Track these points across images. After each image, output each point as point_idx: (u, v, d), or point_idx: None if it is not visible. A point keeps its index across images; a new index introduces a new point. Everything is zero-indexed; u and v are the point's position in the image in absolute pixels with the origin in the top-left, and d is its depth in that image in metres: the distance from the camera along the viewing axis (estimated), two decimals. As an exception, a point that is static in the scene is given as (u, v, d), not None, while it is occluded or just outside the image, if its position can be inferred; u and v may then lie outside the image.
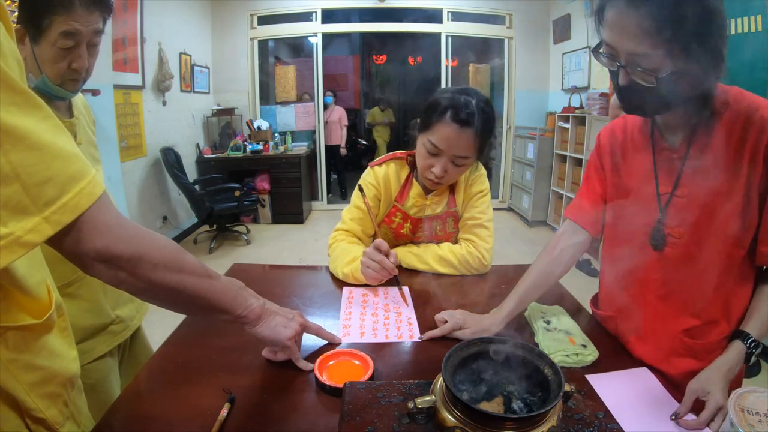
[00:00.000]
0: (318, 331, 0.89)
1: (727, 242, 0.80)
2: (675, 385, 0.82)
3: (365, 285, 1.19)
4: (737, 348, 0.78)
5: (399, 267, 1.31)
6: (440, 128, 1.10)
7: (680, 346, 0.86)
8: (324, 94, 6.28)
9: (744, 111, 0.76)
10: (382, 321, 1.01)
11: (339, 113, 5.94)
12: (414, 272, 1.28)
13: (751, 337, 0.78)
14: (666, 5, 0.65)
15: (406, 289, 1.16)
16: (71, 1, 0.87)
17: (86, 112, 1.16)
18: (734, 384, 0.78)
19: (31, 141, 0.46)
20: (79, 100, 1.13)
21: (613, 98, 1.50)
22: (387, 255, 1.11)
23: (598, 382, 0.79)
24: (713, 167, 0.78)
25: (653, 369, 0.87)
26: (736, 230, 0.79)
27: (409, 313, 1.05)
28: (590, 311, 1.08)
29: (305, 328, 0.85)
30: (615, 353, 0.90)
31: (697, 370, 0.79)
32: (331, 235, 1.33)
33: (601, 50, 0.76)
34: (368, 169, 1.32)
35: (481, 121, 1.08)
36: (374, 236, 1.32)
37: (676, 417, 0.71)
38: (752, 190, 0.76)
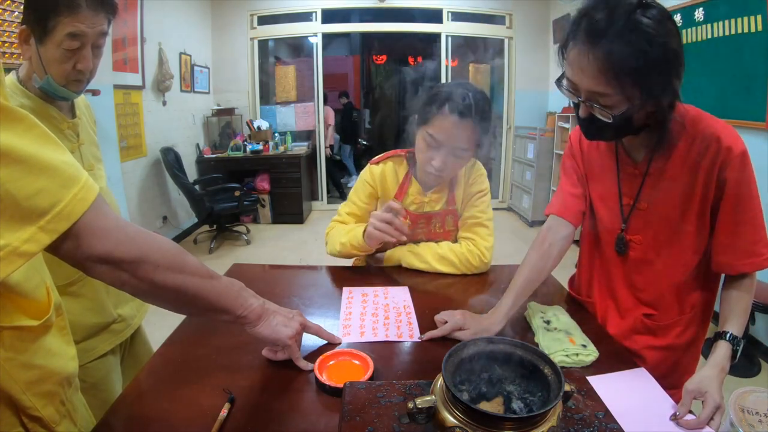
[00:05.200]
0: (318, 331, 0.89)
1: (683, 249, 0.91)
2: (640, 357, 0.95)
3: (365, 285, 1.19)
4: (724, 347, 0.82)
5: (400, 267, 1.31)
6: (439, 121, 1.11)
7: (641, 326, 0.98)
8: (339, 95, 6.26)
9: (700, 136, 0.84)
10: (382, 321, 1.01)
11: (326, 112, 5.89)
12: (414, 272, 1.28)
13: (733, 334, 0.83)
14: (623, 51, 0.70)
15: (405, 289, 1.16)
16: (77, 3, 0.88)
17: (87, 112, 1.17)
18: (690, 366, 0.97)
19: (15, 155, 0.47)
20: (80, 100, 1.13)
21: None
22: (398, 210, 1.11)
23: (597, 383, 0.79)
24: (671, 184, 0.88)
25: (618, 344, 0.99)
26: (692, 239, 0.90)
27: (409, 312, 1.05)
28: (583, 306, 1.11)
29: (305, 327, 0.85)
30: (614, 353, 0.90)
31: (655, 345, 0.96)
32: (328, 226, 1.35)
33: (563, 82, 0.82)
34: (367, 166, 1.34)
35: (478, 112, 1.10)
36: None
37: (675, 418, 0.71)
38: (706, 206, 0.86)
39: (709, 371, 0.78)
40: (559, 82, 0.84)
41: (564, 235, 1.02)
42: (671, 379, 0.94)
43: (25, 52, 0.94)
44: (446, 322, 0.94)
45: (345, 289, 1.17)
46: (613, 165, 0.97)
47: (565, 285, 1.21)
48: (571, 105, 1.24)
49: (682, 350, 0.98)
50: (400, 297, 1.12)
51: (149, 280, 0.59)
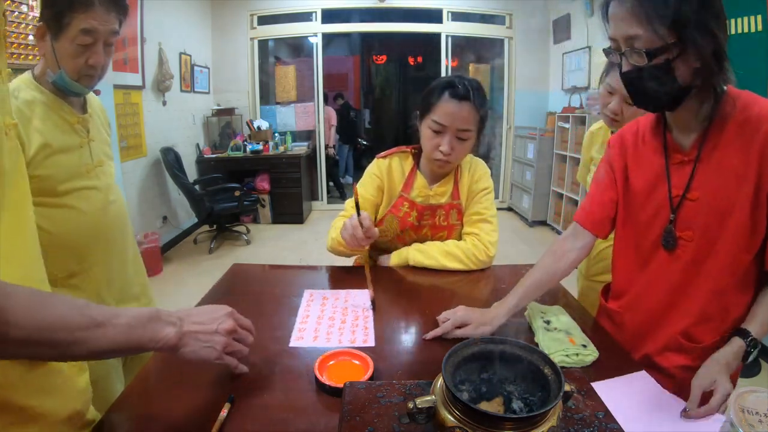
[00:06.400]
0: (248, 328, 0.77)
1: (735, 247, 0.81)
2: (669, 376, 0.88)
3: (365, 285, 1.19)
4: (737, 344, 0.79)
5: (412, 266, 1.32)
6: (441, 106, 1.20)
7: (675, 344, 0.90)
8: (334, 97, 6.26)
9: (754, 117, 0.77)
10: (338, 325, 0.98)
11: (327, 113, 5.94)
12: (414, 272, 1.28)
13: (751, 335, 0.79)
14: None
15: (368, 292, 1.12)
16: (91, 1, 0.96)
17: (101, 114, 1.25)
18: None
19: None
20: (95, 101, 1.22)
21: (601, 87, 1.56)
22: (367, 228, 1.10)
23: (598, 389, 0.79)
24: (724, 171, 0.80)
25: (648, 361, 0.92)
26: (745, 235, 0.80)
27: (366, 317, 1.02)
28: (592, 310, 1.10)
29: (233, 332, 0.73)
30: (615, 353, 0.90)
31: (688, 365, 0.86)
32: (334, 220, 1.37)
33: (610, 46, 0.81)
34: (374, 160, 1.39)
35: (476, 94, 1.19)
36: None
37: (686, 413, 0.71)
38: (761, 196, 0.78)
39: (715, 364, 0.77)
40: (606, 50, 0.83)
41: (582, 245, 1.01)
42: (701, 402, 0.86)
43: (41, 48, 1.01)
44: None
45: (306, 292, 1.15)
46: (661, 155, 0.89)
47: (566, 287, 1.21)
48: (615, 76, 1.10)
49: None
50: (360, 300, 1.10)
51: (35, 328, 0.48)
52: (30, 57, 2.44)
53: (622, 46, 0.78)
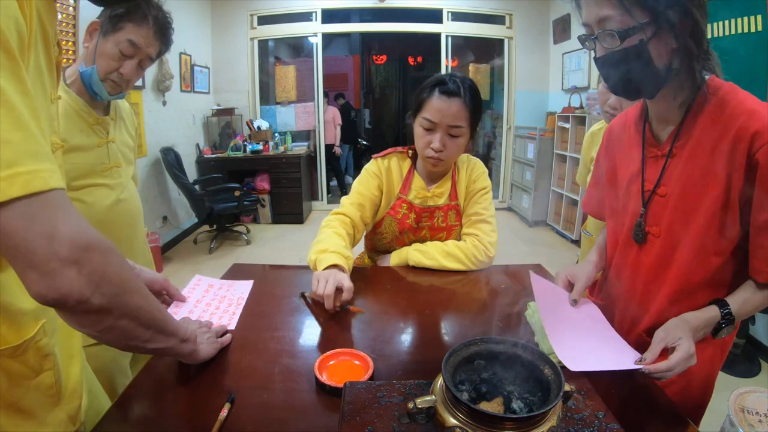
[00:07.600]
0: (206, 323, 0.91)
1: (700, 247, 0.78)
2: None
3: (364, 285, 1.19)
4: (712, 312, 0.77)
5: (401, 267, 1.31)
6: (431, 103, 1.20)
7: (642, 342, 0.85)
8: (335, 97, 6.27)
9: (728, 113, 0.74)
10: (211, 311, 1.01)
11: (332, 112, 5.96)
12: (417, 273, 1.28)
13: (729, 308, 0.76)
14: None
15: (250, 283, 1.17)
16: (147, 20, 1.08)
17: (129, 119, 1.32)
18: (715, 357, 0.85)
19: (2, 99, 0.42)
20: (126, 108, 1.30)
21: (600, 85, 1.54)
22: (340, 289, 1.00)
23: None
24: (693, 168, 0.78)
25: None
26: (712, 236, 0.77)
27: (239, 304, 1.06)
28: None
29: (201, 325, 0.87)
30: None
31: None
32: (327, 218, 1.33)
33: (584, 35, 0.79)
34: (372, 160, 1.38)
35: (467, 91, 1.19)
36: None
37: (642, 362, 0.72)
38: (731, 198, 0.74)
39: (683, 323, 0.74)
40: (581, 37, 0.80)
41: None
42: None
43: (86, 41, 1.09)
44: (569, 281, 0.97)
45: (196, 277, 1.17)
46: (640, 147, 0.88)
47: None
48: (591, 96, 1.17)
49: (692, 377, 0.83)
50: (239, 290, 1.13)
51: (120, 280, 0.52)
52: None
53: (595, 30, 0.74)
